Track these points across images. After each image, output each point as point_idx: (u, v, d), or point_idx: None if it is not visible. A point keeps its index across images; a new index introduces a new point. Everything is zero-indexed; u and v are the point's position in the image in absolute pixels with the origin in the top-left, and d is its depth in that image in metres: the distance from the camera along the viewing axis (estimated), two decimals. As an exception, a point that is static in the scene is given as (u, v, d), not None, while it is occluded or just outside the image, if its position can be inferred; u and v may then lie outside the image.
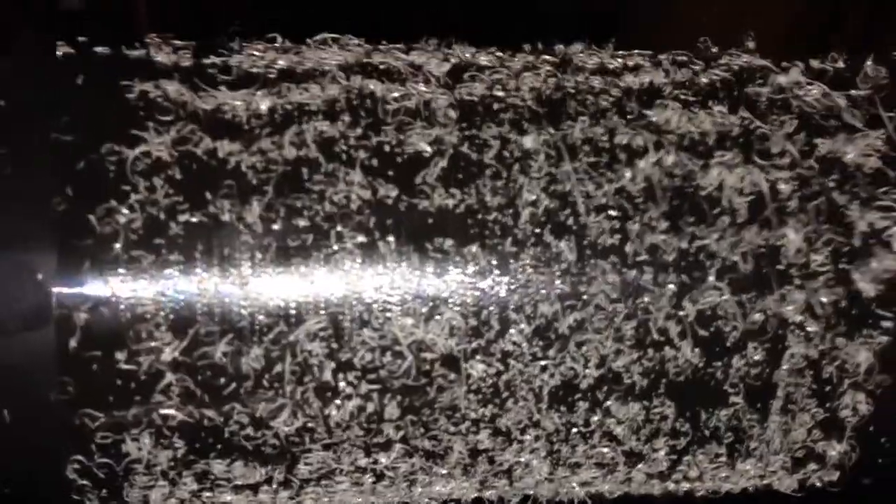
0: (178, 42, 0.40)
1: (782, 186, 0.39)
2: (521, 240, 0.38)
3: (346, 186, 0.37)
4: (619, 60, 0.43)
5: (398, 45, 0.42)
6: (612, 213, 0.38)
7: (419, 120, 0.38)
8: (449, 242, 0.37)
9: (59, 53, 0.38)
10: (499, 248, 0.37)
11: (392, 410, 0.38)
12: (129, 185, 0.35)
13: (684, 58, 0.43)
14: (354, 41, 0.41)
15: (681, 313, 0.38)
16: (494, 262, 0.37)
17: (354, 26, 0.43)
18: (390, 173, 0.37)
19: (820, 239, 0.39)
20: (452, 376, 0.38)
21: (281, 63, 0.40)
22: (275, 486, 0.39)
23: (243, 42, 0.40)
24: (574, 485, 0.43)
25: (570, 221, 0.38)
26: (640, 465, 0.42)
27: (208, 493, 0.39)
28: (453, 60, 0.41)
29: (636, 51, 0.44)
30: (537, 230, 0.38)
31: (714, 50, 0.44)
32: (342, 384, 0.37)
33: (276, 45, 0.41)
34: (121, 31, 0.40)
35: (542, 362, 0.38)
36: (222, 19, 0.42)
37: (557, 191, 0.38)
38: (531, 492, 0.44)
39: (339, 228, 0.36)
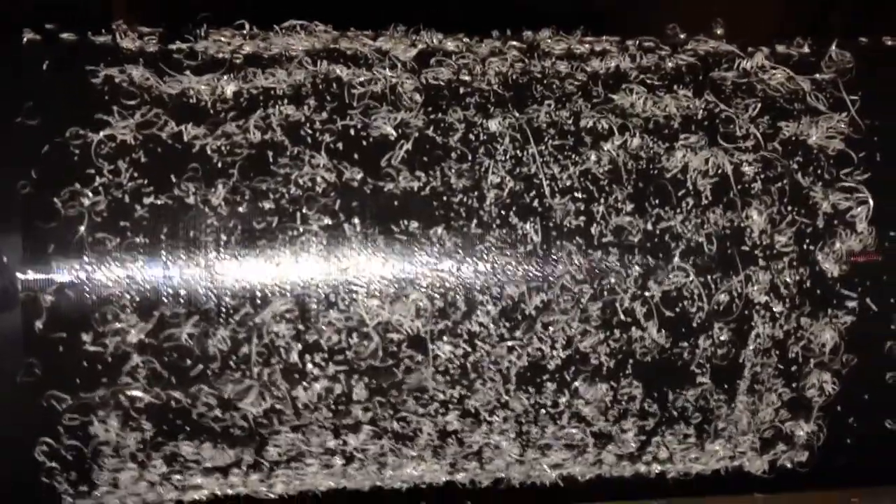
0: (144, 28, 0.40)
1: (746, 168, 0.40)
2: (486, 222, 0.38)
3: (311, 169, 0.37)
4: (587, 46, 0.43)
5: (366, 32, 0.42)
6: (578, 195, 0.39)
7: (385, 104, 0.39)
8: (414, 224, 0.37)
9: (24, 39, 0.38)
10: (464, 230, 0.38)
11: (360, 392, 0.38)
12: (94, 168, 0.36)
13: (651, 43, 0.43)
14: (322, 27, 0.42)
15: (646, 294, 0.39)
16: (460, 244, 0.38)
17: (331, 15, 0.43)
18: (356, 156, 0.37)
19: (784, 220, 0.39)
20: (419, 357, 0.38)
21: (247, 49, 0.40)
22: (244, 468, 0.40)
23: (211, 28, 0.41)
24: (545, 467, 0.43)
25: (536, 203, 0.38)
26: (609, 447, 0.42)
27: (178, 476, 0.40)
28: (420, 46, 0.41)
29: (604, 36, 0.44)
30: (503, 212, 0.38)
31: (682, 35, 0.44)
32: (309, 366, 0.37)
33: (243, 31, 0.41)
34: (95, 17, 0.40)
35: (509, 343, 0.38)
36: (195, 6, 0.42)
37: (523, 173, 0.38)
38: (502, 475, 0.44)
39: (304, 211, 0.37)
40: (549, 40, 0.43)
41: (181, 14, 0.41)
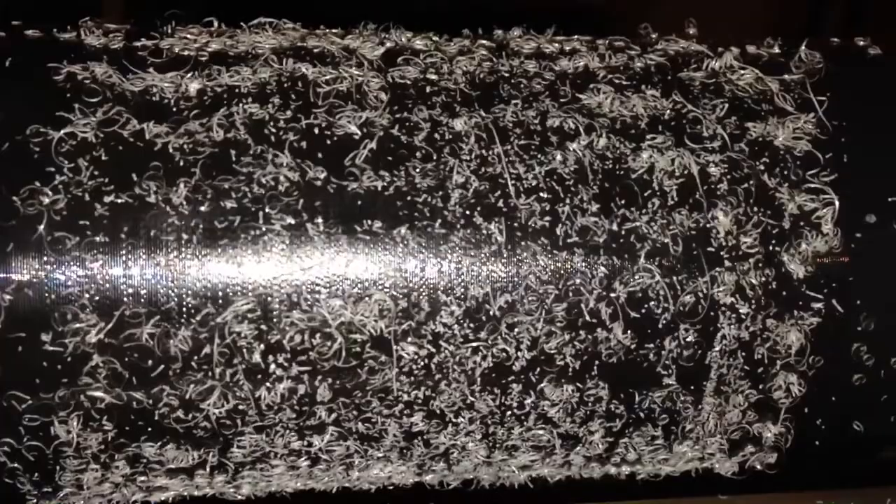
0: (110, 25, 0.40)
1: (713, 169, 0.40)
2: (450, 222, 0.38)
3: (274, 168, 0.37)
4: (556, 45, 0.43)
5: (334, 30, 0.42)
6: (543, 195, 0.38)
7: (350, 103, 0.38)
8: (378, 224, 0.37)
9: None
10: (428, 230, 0.37)
11: (324, 393, 0.38)
12: (54, 166, 0.35)
13: (621, 43, 0.43)
14: (290, 25, 0.41)
15: (612, 295, 0.39)
16: (424, 244, 0.37)
17: (304, 13, 0.43)
18: (319, 155, 0.37)
19: (750, 221, 0.39)
20: (383, 358, 0.38)
21: (213, 46, 0.40)
22: (209, 469, 0.39)
23: (178, 26, 0.40)
24: (513, 469, 0.43)
25: (501, 203, 0.38)
26: (577, 448, 0.42)
27: (142, 477, 0.39)
28: (388, 44, 0.41)
29: (575, 36, 0.44)
30: (467, 212, 0.38)
31: (653, 35, 0.44)
32: (272, 366, 0.37)
33: (210, 28, 0.41)
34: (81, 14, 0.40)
35: (474, 344, 0.38)
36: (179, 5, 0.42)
37: (488, 173, 0.38)
38: (471, 476, 0.44)
39: (267, 210, 0.36)
40: (519, 39, 0.43)
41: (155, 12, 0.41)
